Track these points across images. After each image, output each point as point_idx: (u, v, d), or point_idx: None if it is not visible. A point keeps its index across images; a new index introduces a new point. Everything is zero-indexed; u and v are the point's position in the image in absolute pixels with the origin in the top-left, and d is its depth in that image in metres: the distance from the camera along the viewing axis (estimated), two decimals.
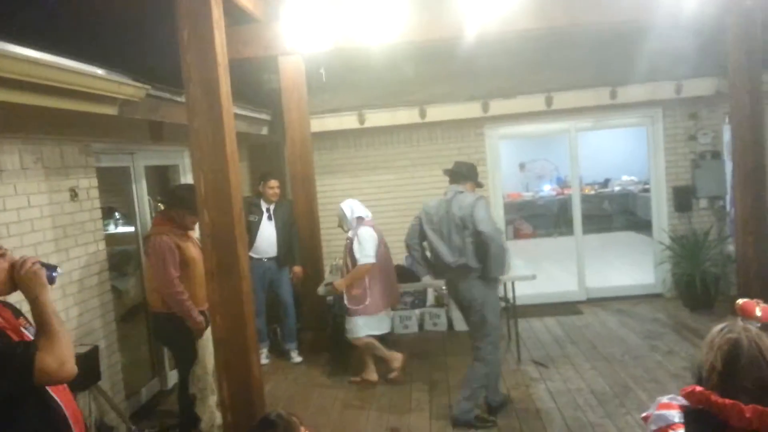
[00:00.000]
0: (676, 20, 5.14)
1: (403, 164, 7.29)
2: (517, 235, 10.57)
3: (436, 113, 6.89)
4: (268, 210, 5.86)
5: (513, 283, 5.59)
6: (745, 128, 5.79)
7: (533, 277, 5.38)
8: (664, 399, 2.00)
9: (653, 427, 1.95)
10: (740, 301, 3.20)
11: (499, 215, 7.35)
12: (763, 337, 1.90)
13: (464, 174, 4.56)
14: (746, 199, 5.81)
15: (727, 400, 1.81)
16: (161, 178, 6.06)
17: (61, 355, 1.88)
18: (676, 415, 1.91)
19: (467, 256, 4.21)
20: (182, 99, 3.72)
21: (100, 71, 3.49)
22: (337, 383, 5.31)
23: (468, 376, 4.37)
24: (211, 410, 4.11)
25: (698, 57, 6.31)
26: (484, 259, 4.17)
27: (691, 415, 1.90)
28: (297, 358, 5.94)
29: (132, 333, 5.15)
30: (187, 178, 5.84)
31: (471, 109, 6.86)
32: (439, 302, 6.86)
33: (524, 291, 6.05)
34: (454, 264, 4.27)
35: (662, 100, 6.86)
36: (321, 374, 5.57)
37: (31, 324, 2.12)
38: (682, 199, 7.07)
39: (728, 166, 6.59)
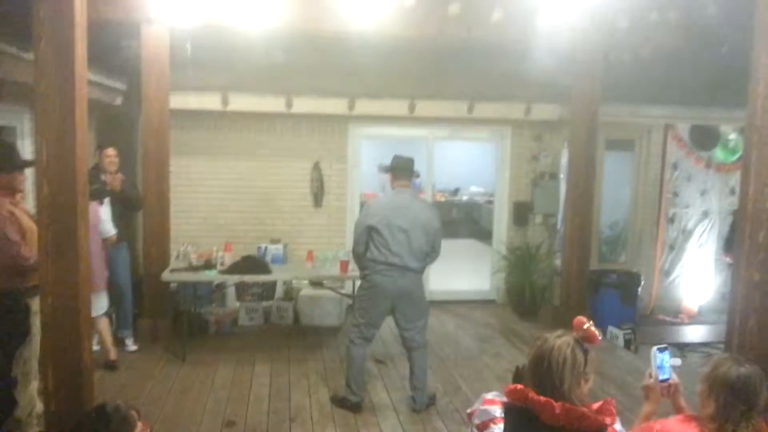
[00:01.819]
0: (532, 44, 5.58)
1: (264, 153, 7.17)
2: None
3: (303, 105, 6.87)
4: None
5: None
6: (580, 155, 6.44)
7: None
8: (489, 395, 2.18)
9: (477, 421, 2.10)
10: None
11: (354, 214, 7.49)
12: (568, 345, 2.13)
13: (411, 171, 4.58)
14: (575, 220, 6.46)
15: (541, 398, 2.02)
16: None
17: None
18: (497, 410, 2.08)
19: (425, 259, 4.47)
20: (30, 56, 3.39)
21: None
22: (174, 373, 5.12)
23: (421, 365, 4.54)
24: (31, 396, 3.77)
25: (548, 82, 6.88)
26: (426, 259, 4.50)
27: (510, 410, 2.07)
28: (132, 346, 5.62)
29: None
30: (24, 142, 5.31)
31: (337, 105, 6.93)
32: (287, 296, 6.85)
33: None
34: (417, 267, 4.41)
35: (513, 119, 7.40)
36: (157, 364, 5.32)
37: None
38: (521, 213, 7.68)
39: (563, 187, 7.27)
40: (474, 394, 4.73)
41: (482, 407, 2.12)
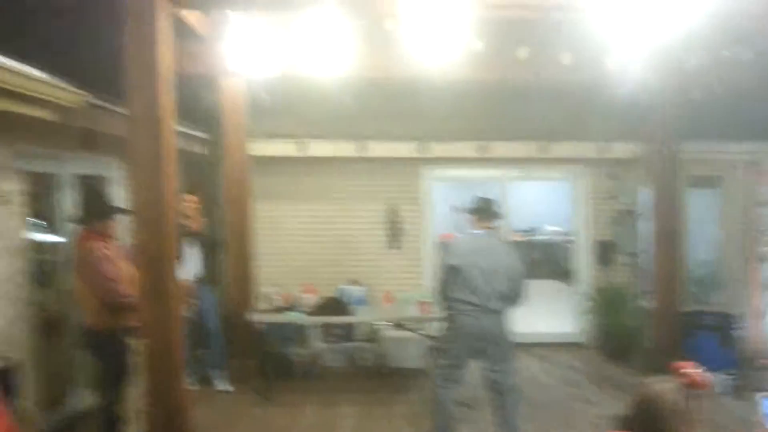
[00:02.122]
0: (603, 83, 5.46)
1: (341, 196, 7.28)
2: None
3: (376, 149, 6.97)
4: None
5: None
6: (662, 193, 6.19)
7: None
8: None
9: None
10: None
11: (429, 255, 7.44)
12: (674, 392, 2.01)
13: (494, 212, 4.55)
14: (663, 259, 6.16)
15: None
16: (88, 191, 5.77)
17: None
18: None
19: (507, 302, 4.35)
20: (122, 110, 3.59)
21: (39, 73, 3.34)
22: (262, 414, 5.17)
23: (512, 410, 4.38)
24: None
25: (622, 120, 6.69)
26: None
27: None
28: (223, 386, 5.73)
29: (49, 348, 4.81)
30: (115, 192, 5.60)
31: (409, 149, 7.00)
32: (369, 337, 6.81)
33: None
34: (500, 309, 4.31)
35: (586, 158, 7.22)
36: (246, 404, 5.40)
37: None
38: (604, 253, 7.41)
39: (643, 226, 6.97)
40: None
41: None
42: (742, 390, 5.87)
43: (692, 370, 2.07)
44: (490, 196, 4.61)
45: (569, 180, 7.68)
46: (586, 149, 7.11)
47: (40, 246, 4.94)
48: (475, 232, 4.51)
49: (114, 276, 3.80)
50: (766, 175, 7.17)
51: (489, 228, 4.49)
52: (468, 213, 4.62)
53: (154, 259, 3.42)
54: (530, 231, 12.28)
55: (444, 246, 4.79)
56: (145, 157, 3.41)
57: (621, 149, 7.12)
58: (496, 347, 4.35)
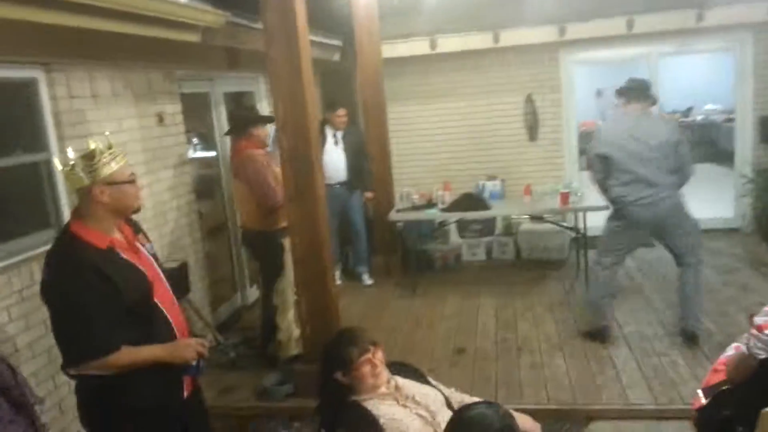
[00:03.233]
0: None
1: (473, 91, 7.17)
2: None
3: (510, 37, 6.69)
4: (334, 136, 5.92)
5: (585, 214, 5.56)
6: None
7: (606, 207, 5.31)
8: None
9: (760, 320, 2.01)
10: None
11: (572, 145, 7.20)
12: None
13: (647, 94, 4.22)
14: None
15: None
16: (236, 105, 6.23)
17: None
18: None
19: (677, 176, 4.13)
20: (259, 26, 3.79)
21: None
22: (407, 305, 5.52)
23: (691, 283, 4.25)
24: (289, 323, 4.38)
25: None
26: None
27: None
28: (368, 280, 6.17)
29: (214, 252, 5.46)
30: (262, 105, 5.99)
31: (546, 33, 6.62)
32: (507, 231, 6.90)
33: (597, 222, 5.98)
34: (671, 184, 4.08)
35: (754, 23, 6.39)
36: (391, 296, 5.79)
37: (149, 241, 2.37)
38: None
39: None
40: (717, 328, 4.40)
41: None
42: None
43: None
44: (641, 76, 4.27)
45: (732, 50, 6.89)
46: (753, 11, 6.25)
47: (200, 161, 5.51)
48: (621, 114, 4.25)
49: (271, 181, 4.16)
50: None
51: (642, 110, 4.18)
52: (618, 95, 4.32)
53: (300, 163, 3.69)
54: (686, 111, 11.36)
55: (589, 135, 4.54)
56: (284, 69, 3.60)
57: None
58: (673, 228, 4.16)
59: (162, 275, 2.38)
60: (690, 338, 4.24)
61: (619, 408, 3.61)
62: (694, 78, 10.76)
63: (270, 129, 4.35)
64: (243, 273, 5.69)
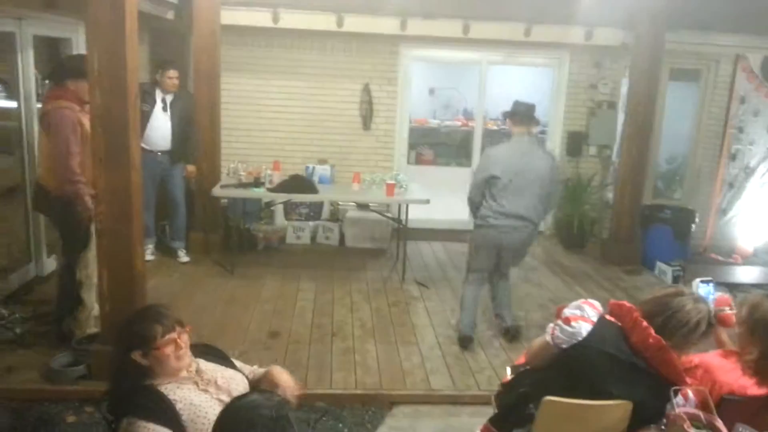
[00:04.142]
0: None
1: (314, 72, 7.08)
2: (419, 160, 10.74)
3: (354, 23, 6.68)
4: (163, 100, 5.55)
5: (407, 206, 5.74)
6: (641, 84, 6.15)
7: (427, 201, 5.55)
8: (593, 301, 2.24)
9: (567, 313, 2.18)
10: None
11: (403, 138, 7.41)
12: (704, 323, 2.16)
13: (532, 117, 4.31)
14: (631, 152, 6.25)
15: (644, 322, 2.07)
16: (50, 52, 5.54)
17: None
18: (592, 313, 2.16)
19: (543, 211, 4.35)
20: None
21: None
22: (223, 285, 5.32)
23: (505, 290, 4.63)
24: (91, 299, 3.99)
25: (610, 5, 6.48)
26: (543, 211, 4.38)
27: (604, 321, 2.17)
28: (184, 257, 5.84)
29: (8, 214, 4.82)
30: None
31: (389, 25, 6.71)
32: (333, 217, 6.93)
33: (417, 215, 6.23)
34: (536, 219, 4.27)
35: (571, 44, 7.04)
36: (207, 275, 5.54)
37: None
38: (574, 144, 7.45)
39: (620, 118, 6.98)
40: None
41: (579, 303, 2.21)
42: (688, 281, 6.18)
43: (728, 308, 2.27)
44: (527, 100, 4.39)
45: (552, 67, 7.53)
46: (572, 34, 6.86)
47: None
48: (512, 138, 4.33)
49: (73, 145, 3.72)
50: (750, 70, 7.09)
51: (524, 134, 4.28)
52: (505, 117, 4.44)
53: (115, 125, 3.35)
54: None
55: (485, 153, 4.60)
56: (104, 14, 3.24)
57: (608, 35, 6.87)
58: (517, 255, 4.50)
59: None
60: (515, 334, 4.53)
61: (421, 393, 3.79)
62: (518, 88, 11.58)
63: None
64: (40, 240, 5.08)
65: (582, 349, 2.11)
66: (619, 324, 2.16)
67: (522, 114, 4.28)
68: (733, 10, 6.49)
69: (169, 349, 2.08)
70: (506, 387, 2.53)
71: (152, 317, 2.13)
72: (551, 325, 2.27)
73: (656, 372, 2.06)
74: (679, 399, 2.08)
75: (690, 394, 2.12)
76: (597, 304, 2.23)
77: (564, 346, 2.15)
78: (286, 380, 2.29)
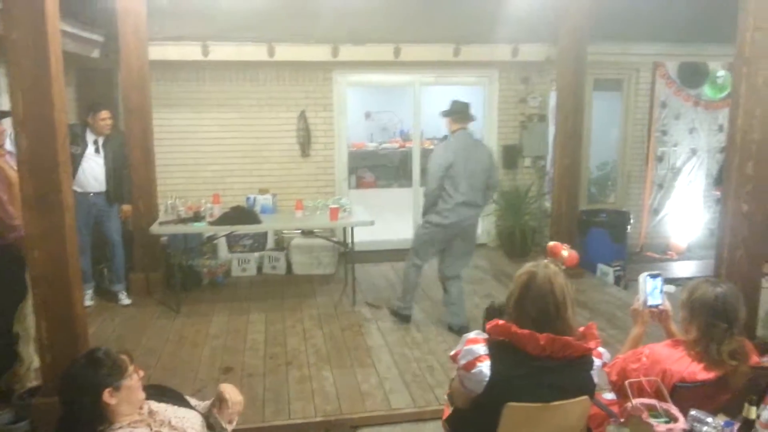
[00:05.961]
0: None
1: (249, 103, 7.05)
2: (360, 184, 10.80)
3: (285, 53, 6.71)
4: (95, 142, 5.41)
5: (352, 229, 5.75)
6: (568, 95, 6.37)
7: (371, 223, 5.57)
8: (470, 335, 2.18)
9: (463, 362, 2.10)
10: (551, 243, 3.62)
11: (342, 163, 7.44)
12: (559, 274, 2.15)
13: (469, 114, 4.80)
14: (563, 161, 6.44)
15: (524, 331, 2.04)
16: None
17: None
18: (481, 348, 2.09)
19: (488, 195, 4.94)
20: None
21: None
22: (169, 325, 5.15)
23: (458, 292, 4.99)
24: (31, 353, 3.80)
25: (534, 23, 6.74)
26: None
27: (494, 346, 2.10)
28: (126, 300, 5.64)
29: None
30: (0, 98, 5.19)
31: (320, 52, 6.78)
32: (279, 246, 6.86)
33: (363, 237, 6.23)
34: (483, 204, 4.86)
35: (499, 61, 7.28)
36: (151, 317, 5.35)
37: None
38: (510, 157, 7.66)
39: (551, 130, 7.23)
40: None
41: (465, 347, 2.13)
42: (629, 280, 6.42)
43: (566, 250, 2.23)
44: (464, 99, 4.87)
45: (482, 84, 7.74)
46: (499, 52, 7.10)
47: None
48: (455, 134, 4.75)
49: (3, 196, 3.57)
50: (668, 76, 7.50)
51: (464, 129, 4.76)
52: (443, 116, 4.84)
53: (45, 168, 3.24)
54: (442, 138, 12.42)
55: (437, 146, 5.17)
56: (27, 56, 3.15)
57: (534, 51, 7.16)
58: (467, 242, 4.89)
59: None
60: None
61: (382, 414, 3.75)
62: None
63: (7, 126, 3.77)
64: None
65: (495, 386, 2.05)
66: (507, 339, 2.10)
67: (460, 111, 4.76)
68: (649, 21, 6.88)
69: (136, 377, 2.10)
70: (449, 420, 2.46)
71: (109, 353, 2.09)
72: (454, 374, 2.23)
73: (565, 358, 2.05)
74: (598, 361, 2.13)
75: (603, 351, 2.16)
76: (478, 334, 2.17)
77: (479, 391, 2.08)
78: (231, 394, 2.35)
